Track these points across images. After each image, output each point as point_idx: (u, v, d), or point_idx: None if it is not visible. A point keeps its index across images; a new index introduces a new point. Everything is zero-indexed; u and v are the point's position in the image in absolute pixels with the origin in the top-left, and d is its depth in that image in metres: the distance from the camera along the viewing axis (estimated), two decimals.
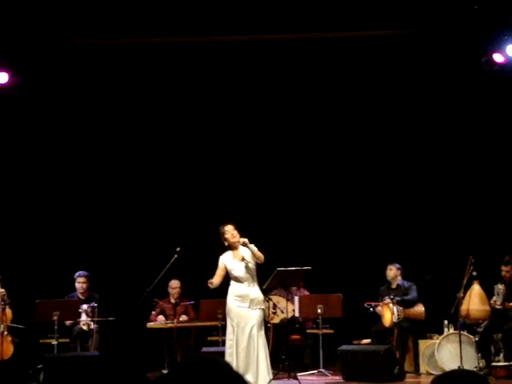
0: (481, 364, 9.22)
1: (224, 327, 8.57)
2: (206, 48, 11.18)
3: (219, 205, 11.36)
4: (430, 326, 10.07)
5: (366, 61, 11.31)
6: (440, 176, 11.58)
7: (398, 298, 9.69)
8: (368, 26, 10.41)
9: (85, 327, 9.68)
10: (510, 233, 10.61)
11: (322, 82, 11.58)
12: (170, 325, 10.15)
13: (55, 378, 8.49)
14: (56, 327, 9.35)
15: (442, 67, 11.01)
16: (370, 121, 11.74)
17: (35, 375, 8.99)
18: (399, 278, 10.23)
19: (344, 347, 9.38)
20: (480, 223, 11.18)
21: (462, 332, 9.24)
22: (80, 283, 10.21)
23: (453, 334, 9.54)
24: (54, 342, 9.30)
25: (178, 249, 8.94)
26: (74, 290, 10.26)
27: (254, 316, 7.97)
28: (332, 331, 10.36)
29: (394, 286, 10.23)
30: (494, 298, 9.38)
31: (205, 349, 9.67)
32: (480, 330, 9.41)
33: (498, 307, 9.35)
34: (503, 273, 9.52)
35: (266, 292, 9.28)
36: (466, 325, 9.54)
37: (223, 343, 8.54)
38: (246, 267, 8.10)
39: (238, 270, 8.12)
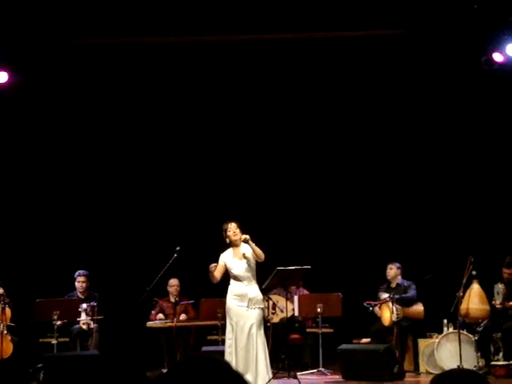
0: (480, 363, 9.22)
1: (224, 326, 8.57)
2: (206, 47, 11.17)
3: (219, 204, 11.36)
4: (430, 325, 10.07)
5: (366, 60, 11.31)
6: (440, 175, 11.58)
7: (397, 297, 9.69)
8: (368, 26, 10.41)
9: (84, 326, 9.69)
10: (510, 232, 10.61)
11: (322, 82, 11.58)
12: (169, 324, 10.15)
13: (55, 377, 8.49)
14: (56, 326, 9.35)
15: (442, 67, 11.01)
16: (370, 120, 11.74)
17: (35, 374, 8.99)
18: (399, 277, 10.24)
19: (344, 346, 9.38)
20: (480, 223, 11.18)
21: (461, 331, 9.24)
22: (80, 282, 10.21)
23: (452, 333, 9.54)
24: (54, 342, 9.30)
25: (178, 248, 8.94)
26: (74, 289, 10.26)
27: (253, 315, 7.96)
28: (331, 330, 10.36)
29: (393, 285, 10.23)
30: (495, 297, 9.39)
31: (204, 348, 9.66)
32: (479, 329, 9.42)
33: (497, 306, 9.35)
34: (505, 275, 9.51)
35: (265, 291, 9.27)
36: (465, 324, 9.54)
37: (223, 342, 8.54)
38: (246, 266, 8.09)
39: (237, 268, 8.12)
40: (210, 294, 9.61)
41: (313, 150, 11.92)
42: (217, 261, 8.23)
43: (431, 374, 9.41)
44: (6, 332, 9.15)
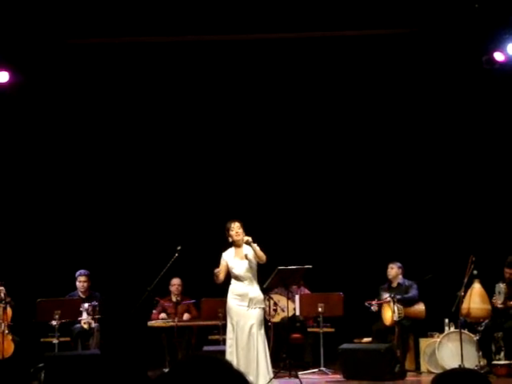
0: (481, 362, 9.22)
1: (225, 326, 8.57)
2: (206, 47, 11.17)
3: (221, 203, 11.36)
4: (431, 325, 10.07)
5: (367, 60, 11.31)
6: (440, 175, 11.57)
7: (398, 297, 9.69)
8: (369, 25, 10.41)
9: (86, 326, 9.69)
10: (511, 232, 10.61)
11: (323, 82, 11.58)
12: (171, 323, 10.15)
13: (56, 376, 8.48)
14: (57, 326, 9.36)
15: (443, 66, 11.00)
16: (371, 120, 11.74)
17: (36, 374, 8.99)
18: (400, 276, 10.23)
19: (345, 346, 9.38)
20: (481, 222, 11.18)
21: (462, 330, 9.24)
22: (81, 282, 10.21)
23: (453, 332, 9.54)
24: (55, 341, 9.30)
25: (179, 247, 8.94)
26: (75, 288, 10.26)
27: (254, 315, 7.96)
28: (333, 330, 10.36)
29: (394, 284, 10.23)
30: (496, 296, 9.39)
31: (206, 347, 9.67)
32: (481, 328, 9.42)
33: (499, 306, 9.35)
34: (507, 275, 9.51)
35: (266, 291, 9.28)
36: (466, 323, 9.54)
37: (224, 342, 8.54)
38: (247, 266, 8.09)
39: (238, 268, 8.11)
40: (211, 293, 9.61)
41: (314, 150, 11.93)
42: (218, 260, 8.23)
43: (432, 373, 9.40)
44: (7, 331, 9.15)
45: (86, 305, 9.71)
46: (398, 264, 10.27)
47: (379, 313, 9.89)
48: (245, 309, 7.98)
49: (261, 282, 8.37)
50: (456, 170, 11.47)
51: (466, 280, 9.14)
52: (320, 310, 9.98)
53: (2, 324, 9.10)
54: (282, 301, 10.00)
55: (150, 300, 9.75)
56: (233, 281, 8.16)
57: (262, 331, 8.01)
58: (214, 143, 11.89)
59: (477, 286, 9.32)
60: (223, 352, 7.93)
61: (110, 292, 10.48)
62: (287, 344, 9.75)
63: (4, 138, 11.33)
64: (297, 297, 10.35)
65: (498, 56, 10.03)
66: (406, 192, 11.65)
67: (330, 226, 11.70)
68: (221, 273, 8.09)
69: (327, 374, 9.65)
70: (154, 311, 10.52)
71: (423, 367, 9.93)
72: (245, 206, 11.04)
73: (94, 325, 9.65)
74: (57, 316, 9.28)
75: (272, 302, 10.13)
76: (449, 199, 11.50)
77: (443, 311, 9.60)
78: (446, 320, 9.75)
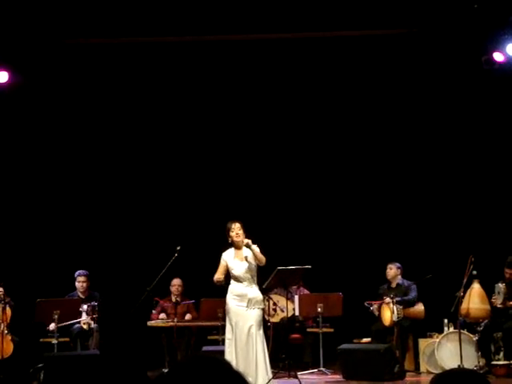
0: (481, 363, 9.22)
1: (224, 326, 8.57)
2: (206, 47, 11.18)
3: (220, 203, 11.37)
4: (430, 325, 10.07)
5: (367, 60, 11.31)
6: (440, 175, 11.58)
7: (397, 299, 9.68)
8: (368, 25, 10.41)
9: (85, 326, 9.69)
10: (511, 232, 10.61)
11: (323, 82, 11.58)
12: (170, 323, 10.15)
13: (55, 377, 8.48)
14: (55, 330, 9.37)
15: (443, 66, 11.01)
16: (370, 120, 11.74)
17: (35, 374, 8.99)
18: (399, 277, 10.23)
19: (344, 346, 9.38)
20: (480, 222, 11.19)
21: (461, 331, 9.24)
22: (80, 282, 10.21)
23: (453, 332, 9.54)
24: (55, 341, 9.30)
25: (179, 247, 8.94)
26: (75, 289, 10.26)
27: (253, 316, 7.96)
28: (332, 330, 10.36)
29: (393, 285, 10.23)
30: (495, 296, 9.39)
31: (205, 348, 9.67)
32: (480, 328, 9.42)
33: (498, 306, 9.36)
34: (507, 275, 9.52)
35: (266, 291, 9.28)
36: (465, 324, 9.54)
37: (223, 342, 8.53)
38: (247, 267, 8.08)
39: (238, 269, 8.11)
40: (211, 294, 9.61)
41: (313, 150, 11.93)
42: (217, 260, 8.22)
43: (432, 373, 9.40)
44: (6, 332, 9.15)
45: (85, 306, 9.71)
46: (397, 264, 10.27)
47: (379, 313, 9.90)
48: (244, 309, 7.98)
49: (260, 283, 8.37)
50: (456, 170, 11.47)
51: (465, 280, 9.15)
52: (319, 310, 9.98)
53: (2, 324, 9.10)
54: (281, 301, 10.01)
55: (149, 300, 9.75)
56: (232, 281, 8.16)
57: (261, 331, 8.01)
58: (214, 143, 11.89)
59: (476, 287, 9.32)
60: (222, 352, 7.93)
61: (110, 292, 10.47)
62: (286, 344, 9.75)
63: (3, 138, 11.33)
64: (296, 297, 10.36)
65: (498, 56, 10.03)
66: (405, 192, 11.66)
67: (330, 227, 11.70)
68: (218, 272, 8.09)
69: (326, 375, 9.65)
70: (153, 311, 10.52)
71: (422, 367, 9.94)
72: (244, 206, 11.04)
73: (93, 325, 9.65)
74: (56, 316, 9.28)
75: (271, 302, 10.14)
76: (448, 199, 11.50)
77: (442, 311, 9.61)
78: (446, 320, 9.76)
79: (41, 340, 10.02)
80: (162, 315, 10.52)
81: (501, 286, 9.40)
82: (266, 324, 9.29)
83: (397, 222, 11.55)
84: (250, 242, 8.06)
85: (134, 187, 11.86)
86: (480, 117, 11.26)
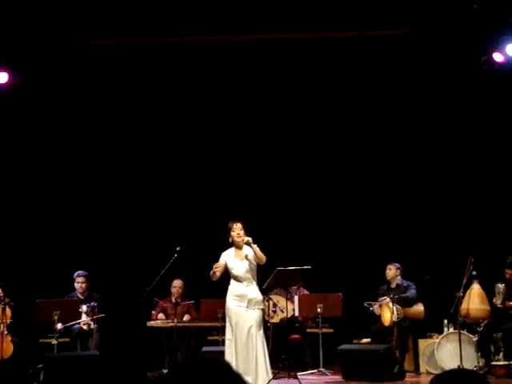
0: (480, 363, 9.22)
1: (224, 327, 8.57)
2: (206, 47, 11.18)
3: (220, 204, 11.37)
4: (430, 326, 10.07)
5: (366, 61, 11.31)
6: (440, 176, 11.58)
7: (396, 296, 9.69)
8: (368, 26, 10.41)
9: (85, 327, 9.69)
10: (511, 232, 10.61)
11: (322, 82, 11.58)
12: (170, 324, 10.15)
13: (55, 377, 8.48)
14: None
15: (442, 67, 11.01)
16: (370, 121, 11.74)
17: (35, 375, 8.99)
18: (399, 277, 10.24)
19: (344, 346, 9.38)
20: (480, 223, 11.19)
21: (461, 331, 9.24)
22: (79, 283, 10.21)
23: (452, 333, 9.54)
24: (54, 342, 9.30)
25: (178, 248, 8.94)
26: (74, 289, 10.26)
27: (253, 316, 7.95)
28: (332, 330, 10.36)
29: (393, 285, 10.23)
30: (496, 297, 9.40)
31: (205, 348, 9.67)
32: (480, 329, 9.42)
33: (498, 306, 9.36)
34: (507, 275, 9.52)
35: (265, 291, 9.28)
36: (465, 324, 9.54)
37: (223, 343, 8.53)
38: (247, 267, 8.08)
39: (237, 269, 8.11)
40: (211, 294, 9.61)
41: (313, 151, 11.93)
42: (217, 261, 8.21)
43: (431, 374, 9.40)
44: (6, 332, 9.15)
45: (85, 307, 9.71)
46: (397, 265, 10.27)
47: (379, 313, 9.90)
48: (244, 310, 7.98)
49: (260, 283, 8.37)
50: (455, 171, 11.48)
51: (464, 281, 9.15)
52: (319, 310, 9.98)
53: (1, 325, 9.10)
54: (281, 301, 10.01)
55: (149, 301, 9.76)
56: (232, 281, 8.16)
57: (261, 332, 8.00)
58: (214, 144, 11.90)
59: (476, 287, 9.32)
60: (222, 353, 7.93)
61: (109, 293, 10.47)
62: (286, 345, 9.75)
63: (3, 139, 11.33)
64: (296, 297, 10.35)
65: (498, 57, 10.03)
66: (404, 193, 11.66)
67: (329, 227, 11.70)
68: (218, 270, 8.06)
69: (326, 375, 9.65)
70: (153, 312, 10.52)
71: (422, 368, 9.93)
72: (244, 206, 11.04)
73: (93, 326, 9.65)
74: (55, 317, 9.28)
75: (271, 302, 10.14)
76: (448, 200, 11.51)
77: (442, 312, 9.60)
78: (445, 321, 9.76)
79: (41, 341, 10.03)
80: (161, 315, 10.51)
81: (500, 286, 9.40)
82: (265, 324, 9.29)
83: (396, 222, 11.55)
84: (250, 239, 8.07)
85: (133, 188, 11.86)
86: (480, 117, 11.26)
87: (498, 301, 9.39)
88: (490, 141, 11.30)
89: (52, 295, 9.83)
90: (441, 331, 9.81)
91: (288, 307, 9.71)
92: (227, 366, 2.03)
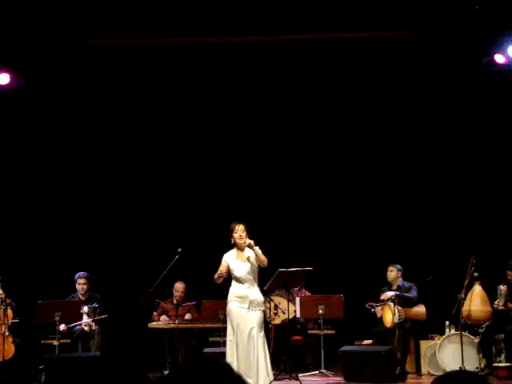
0: (482, 364, 9.22)
1: (225, 328, 8.57)
2: (211, 49, 11.18)
3: (222, 205, 11.37)
4: (432, 327, 10.07)
5: (368, 62, 11.31)
6: (441, 177, 11.58)
7: (398, 293, 9.68)
8: (369, 27, 10.41)
9: (86, 328, 9.69)
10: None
11: (324, 83, 11.59)
12: (171, 325, 10.15)
13: (57, 378, 8.48)
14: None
15: (443, 68, 11.01)
16: (372, 122, 11.75)
17: (37, 376, 9.00)
18: (400, 279, 10.23)
19: (345, 348, 9.38)
20: (481, 224, 11.18)
21: (463, 333, 9.24)
22: (80, 284, 10.22)
23: (454, 334, 9.54)
24: (56, 343, 9.30)
25: (180, 249, 8.94)
26: (75, 291, 10.27)
27: (254, 318, 7.95)
28: (333, 332, 10.36)
29: (394, 287, 10.22)
30: (498, 299, 9.39)
31: (206, 349, 9.67)
32: (481, 330, 9.42)
33: (500, 308, 9.35)
34: (510, 277, 9.51)
35: (267, 293, 9.28)
36: (467, 325, 9.54)
37: (225, 344, 8.53)
38: (248, 269, 8.08)
39: (239, 270, 8.11)
40: (212, 295, 9.61)
41: (315, 152, 11.94)
42: (219, 262, 8.22)
43: (433, 375, 9.41)
44: (7, 333, 9.15)
45: (86, 308, 9.71)
46: (398, 266, 10.26)
47: (381, 315, 9.89)
48: (245, 311, 7.98)
49: (262, 284, 8.37)
50: (457, 172, 11.48)
51: (466, 282, 9.14)
52: (320, 312, 9.98)
53: (3, 326, 9.11)
54: (282, 303, 10.01)
55: (150, 302, 9.76)
56: (233, 283, 8.16)
57: (262, 333, 8.00)
58: (217, 146, 11.91)
59: (477, 288, 9.32)
60: (224, 354, 7.93)
61: (111, 294, 10.48)
62: (288, 346, 9.75)
63: (5, 140, 11.34)
64: (297, 299, 10.35)
65: (499, 58, 10.03)
66: (406, 194, 11.66)
67: (331, 229, 11.71)
68: (220, 278, 8.08)
69: (328, 376, 9.64)
70: (154, 313, 10.53)
71: (424, 369, 9.93)
72: (246, 208, 11.04)
73: (94, 327, 9.65)
74: (57, 318, 9.28)
75: (273, 304, 10.13)
76: (449, 201, 11.50)
77: (444, 313, 9.60)
78: (447, 322, 9.76)
79: (42, 342, 10.03)
80: (164, 317, 10.51)
81: (502, 288, 9.40)
82: (267, 326, 9.29)
83: (398, 223, 11.55)
84: (252, 242, 8.07)
85: (135, 189, 11.87)
86: (481, 118, 11.26)
87: (499, 302, 9.38)
88: (491, 142, 11.30)
89: (53, 296, 9.83)
90: (442, 332, 9.81)
91: (289, 308, 9.71)
92: (228, 367, 2.03)
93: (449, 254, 10.89)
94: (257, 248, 8.07)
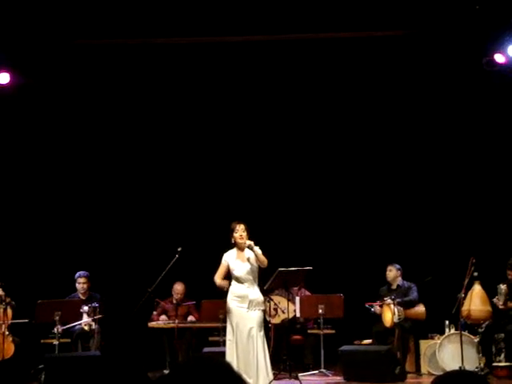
0: (482, 364, 9.22)
1: (225, 328, 8.57)
2: (210, 48, 11.18)
3: (221, 205, 11.37)
4: (431, 327, 10.07)
5: (367, 61, 11.31)
6: (441, 177, 11.58)
7: (398, 300, 9.68)
8: (369, 27, 10.41)
9: (86, 327, 9.69)
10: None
11: (323, 83, 11.59)
12: (171, 325, 10.15)
13: (56, 378, 8.48)
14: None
15: (443, 68, 11.01)
16: (371, 122, 11.75)
17: (36, 375, 9.00)
18: (399, 278, 10.23)
19: (345, 347, 9.38)
20: (481, 223, 11.18)
21: (463, 332, 9.24)
22: (80, 284, 10.22)
23: (454, 334, 9.54)
24: (56, 342, 9.30)
25: (180, 249, 8.94)
26: (75, 290, 10.27)
27: (254, 317, 7.95)
28: (333, 331, 10.36)
29: (394, 286, 10.22)
30: (497, 297, 9.39)
31: (206, 349, 9.67)
32: (481, 330, 9.42)
33: (500, 307, 9.35)
34: (510, 277, 9.51)
35: (267, 292, 9.28)
36: (467, 325, 9.54)
37: (224, 343, 8.54)
38: (248, 269, 8.08)
39: (239, 270, 8.11)
40: (212, 295, 9.61)
41: (314, 152, 11.94)
42: (219, 262, 8.22)
43: (433, 375, 9.41)
44: (7, 333, 9.16)
45: (86, 307, 9.71)
46: (397, 266, 10.26)
47: (379, 314, 9.89)
48: (244, 310, 7.98)
49: (261, 284, 8.37)
50: (456, 172, 11.47)
51: (466, 282, 9.14)
52: (320, 311, 9.98)
53: (3, 325, 9.11)
54: (282, 302, 10.00)
55: (150, 301, 9.76)
56: (233, 282, 8.16)
57: (262, 333, 8.00)
58: (216, 145, 11.91)
59: (477, 288, 9.32)
60: (223, 354, 7.93)
61: (111, 293, 10.48)
62: (287, 345, 9.75)
63: (5, 140, 11.34)
64: (297, 298, 10.35)
65: (499, 58, 10.02)
66: (405, 194, 11.66)
67: (331, 228, 11.71)
68: (219, 272, 8.11)
69: (327, 376, 9.64)
70: (154, 313, 10.53)
71: (423, 369, 9.93)
72: (246, 207, 11.03)
73: (94, 326, 9.65)
74: (57, 318, 9.28)
75: (272, 303, 10.13)
76: (449, 201, 11.50)
77: (443, 313, 9.60)
78: (447, 322, 9.76)
79: (42, 341, 10.03)
80: (163, 317, 10.51)
81: (502, 287, 9.40)
82: (267, 325, 9.29)
83: (398, 223, 11.55)
84: (252, 243, 8.07)
85: (135, 188, 11.87)
86: (481, 118, 11.25)
87: (499, 302, 9.38)
88: (491, 142, 11.30)
89: (53, 296, 9.83)
90: (442, 332, 9.81)
91: (289, 308, 9.71)
92: (228, 366, 2.03)
93: (448, 253, 10.88)
94: (257, 248, 8.07)
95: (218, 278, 8.15)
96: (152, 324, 10.37)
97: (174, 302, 10.37)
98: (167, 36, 10.56)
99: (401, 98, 11.56)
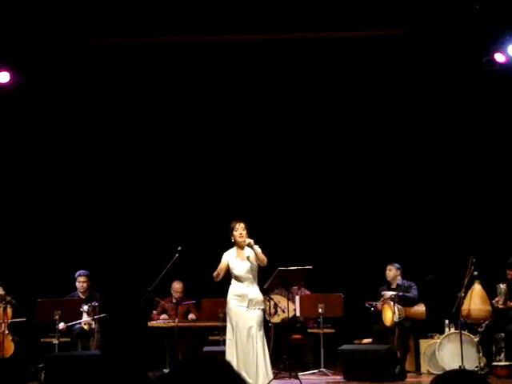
0: (482, 363, 9.22)
1: (225, 327, 8.57)
2: (209, 47, 11.18)
3: (221, 204, 11.37)
4: (431, 326, 10.07)
5: (367, 61, 11.31)
6: (441, 176, 11.58)
7: (400, 294, 9.68)
8: (369, 26, 10.40)
9: (86, 326, 9.69)
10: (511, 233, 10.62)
11: (323, 83, 11.58)
12: (171, 324, 10.15)
13: (56, 377, 8.49)
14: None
15: (443, 67, 11.00)
16: (371, 121, 11.74)
17: (36, 374, 9.00)
18: (399, 277, 10.23)
19: (345, 347, 9.38)
20: (481, 223, 11.18)
21: (462, 331, 9.24)
22: (80, 282, 10.22)
23: (454, 333, 9.54)
24: (55, 341, 9.31)
25: (180, 248, 8.94)
26: (75, 289, 10.27)
27: (253, 316, 7.95)
28: (333, 331, 10.36)
29: (393, 286, 10.22)
30: (497, 297, 9.39)
31: (206, 348, 9.67)
32: (481, 329, 9.42)
33: (500, 307, 9.35)
34: (509, 276, 9.51)
35: (267, 291, 9.28)
36: (466, 324, 9.54)
37: (224, 342, 8.54)
38: (248, 268, 8.08)
39: (239, 269, 8.11)
40: (212, 294, 9.61)
41: (314, 152, 11.93)
42: (219, 261, 8.22)
43: (432, 374, 9.40)
44: (7, 332, 9.16)
45: (86, 306, 9.72)
46: (396, 265, 10.26)
47: (379, 313, 9.89)
48: (244, 309, 7.98)
49: (261, 283, 8.37)
50: (456, 171, 11.47)
51: (466, 281, 9.14)
52: (320, 310, 9.98)
53: (2, 324, 9.11)
54: (282, 302, 10.01)
55: (150, 300, 9.76)
56: (233, 281, 8.16)
57: (262, 332, 8.00)
58: (216, 144, 11.90)
59: (477, 287, 9.32)
60: (223, 353, 7.93)
61: (111, 292, 10.47)
62: (287, 345, 9.75)
63: (5, 139, 11.34)
64: (297, 298, 10.35)
65: (499, 57, 10.02)
66: (405, 193, 11.66)
67: (330, 227, 11.71)
68: (219, 276, 8.09)
69: (327, 375, 9.65)
70: (154, 312, 10.53)
71: (423, 368, 9.93)
72: (246, 207, 11.04)
73: (94, 325, 9.65)
74: (57, 317, 9.28)
75: (272, 302, 10.13)
76: (449, 200, 11.50)
77: (443, 312, 9.61)
78: (447, 321, 9.76)
79: (42, 340, 10.03)
80: (164, 316, 10.52)
81: (502, 286, 9.40)
82: (266, 324, 9.29)
83: (397, 222, 11.55)
84: (252, 241, 8.07)
85: (135, 187, 11.87)
86: (481, 118, 11.25)
87: (499, 301, 9.38)
88: (491, 141, 11.30)
89: (53, 294, 9.84)
90: (442, 331, 9.81)
91: (289, 307, 9.71)
92: (228, 365, 2.03)
93: (448, 252, 10.89)
94: (256, 247, 8.07)
95: (216, 274, 8.12)
96: (152, 323, 10.38)
97: (174, 301, 10.36)
98: (167, 35, 10.55)
99: (401, 97, 11.56)
